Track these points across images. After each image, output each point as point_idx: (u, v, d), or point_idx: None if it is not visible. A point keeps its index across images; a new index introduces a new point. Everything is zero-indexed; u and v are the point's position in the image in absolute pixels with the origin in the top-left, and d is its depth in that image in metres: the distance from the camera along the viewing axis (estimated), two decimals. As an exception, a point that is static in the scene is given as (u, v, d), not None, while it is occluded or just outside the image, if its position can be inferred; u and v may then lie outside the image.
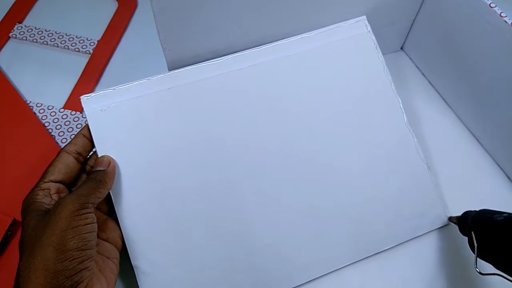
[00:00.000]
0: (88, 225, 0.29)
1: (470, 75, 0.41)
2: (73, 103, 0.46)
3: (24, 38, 0.50)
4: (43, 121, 0.44)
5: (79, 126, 0.44)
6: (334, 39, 0.39)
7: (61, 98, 0.46)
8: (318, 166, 0.36)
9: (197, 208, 0.34)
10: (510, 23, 0.35)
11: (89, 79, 0.48)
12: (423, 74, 0.49)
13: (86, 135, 0.34)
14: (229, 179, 0.35)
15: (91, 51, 0.50)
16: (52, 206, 0.30)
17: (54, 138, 0.43)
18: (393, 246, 0.36)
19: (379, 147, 0.37)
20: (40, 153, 0.42)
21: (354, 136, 0.37)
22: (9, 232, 0.37)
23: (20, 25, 0.51)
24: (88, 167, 0.34)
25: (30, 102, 0.45)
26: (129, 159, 0.34)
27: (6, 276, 0.35)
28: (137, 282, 0.32)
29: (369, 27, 0.40)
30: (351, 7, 0.40)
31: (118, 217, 0.33)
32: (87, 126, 0.34)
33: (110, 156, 0.33)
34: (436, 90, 0.47)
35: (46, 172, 0.32)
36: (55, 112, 0.45)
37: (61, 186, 0.32)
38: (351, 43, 0.39)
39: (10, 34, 0.51)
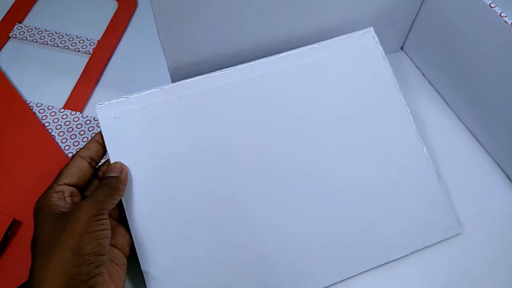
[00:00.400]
0: (104, 231, 0.29)
1: (470, 75, 0.41)
2: (73, 103, 0.46)
3: (24, 38, 0.50)
4: (43, 121, 0.44)
5: (79, 126, 0.44)
6: (342, 50, 0.40)
7: (61, 98, 0.46)
8: (327, 174, 0.36)
9: (207, 215, 0.34)
10: (510, 23, 0.35)
11: (89, 79, 0.48)
12: (423, 74, 0.49)
13: (99, 141, 0.34)
14: (239, 186, 0.35)
15: (91, 51, 0.50)
16: (66, 209, 0.30)
17: (54, 138, 0.43)
18: (404, 256, 0.36)
19: (389, 156, 0.38)
20: (40, 153, 0.42)
21: (363, 145, 0.37)
22: (9, 232, 0.37)
23: (20, 25, 0.52)
24: (100, 173, 0.35)
25: (30, 102, 0.45)
26: (141, 166, 0.34)
27: (6, 276, 0.35)
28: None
29: (376, 38, 0.40)
30: (352, 8, 0.40)
31: (129, 222, 0.33)
32: (100, 132, 0.35)
33: (123, 162, 0.34)
34: (436, 90, 0.47)
35: (60, 174, 0.32)
36: (55, 112, 0.45)
37: (74, 189, 0.32)
38: (359, 54, 0.40)
39: (10, 34, 0.51)
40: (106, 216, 0.30)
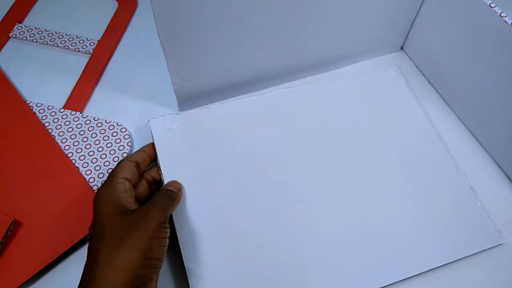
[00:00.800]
0: (167, 238, 0.30)
1: (470, 75, 0.41)
2: (73, 103, 0.46)
3: (24, 38, 0.50)
4: (43, 121, 0.44)
5: (79, 126, 0.44)
6: (366, 79, 0.44)
7: (61, 98, 0.46)
8: (363, 190, 0.38)
9: (250, 219, 0.36)
10: (510, 23, 0.35)
11: (89, 79, 0.48)
12: (423, 74, 0.49)
13: (146, 151, 0.37)
14: (279, 195, 0.38)
15: (91, 51, 0.50)
16: (129, 203, 0.31)
17: (54, 138, 0.43)
18: (442, 265, 0.36)
19: (422, 171, 0.40)
20: (40, 153, 0.42)
21: (396, 165, 0.40)
22: (9, 232, 0.37)
23: (20, 25, 0.52)
24: (149, 177, 0.37)
25: (30, 102, 0.45)
26: (187, 171, 0.37)
27: (6, 276, 0.35)
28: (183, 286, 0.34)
29: (398, 71, 0.46)
30: (353, 7, 0.40)
31: (174, 220, 0.35)
32: (151, 144, 0.38)
33: (173, 168, 0.37)
34: (436, 90, 0.47)
35: (116, 172, 0.33)
36: (55, 112, 0.45)
37: (131, 185, 0.33)
38: (384, 83, 0.45)
39: (10, 34, 0.51)
40: (168, 225, 0.31)
